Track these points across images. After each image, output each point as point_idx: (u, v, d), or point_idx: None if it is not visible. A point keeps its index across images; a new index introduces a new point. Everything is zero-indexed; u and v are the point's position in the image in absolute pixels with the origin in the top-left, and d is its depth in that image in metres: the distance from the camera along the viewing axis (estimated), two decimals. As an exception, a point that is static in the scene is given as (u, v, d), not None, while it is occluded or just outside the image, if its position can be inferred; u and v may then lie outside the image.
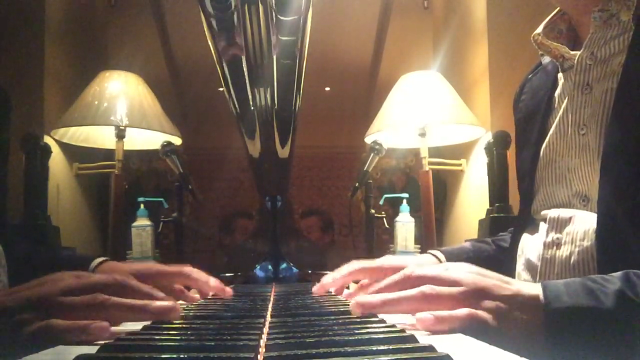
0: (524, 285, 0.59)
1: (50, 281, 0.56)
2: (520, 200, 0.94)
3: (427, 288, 0.57)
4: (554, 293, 0.57)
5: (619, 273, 0.59)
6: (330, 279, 0.87)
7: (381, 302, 0.57)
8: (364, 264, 0.87)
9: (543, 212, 0.86)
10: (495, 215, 1.75)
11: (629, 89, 0.70)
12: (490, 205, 1.84)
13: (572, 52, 0.82)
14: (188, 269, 0.86)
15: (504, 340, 0.52)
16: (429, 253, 1.04)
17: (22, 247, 0.94)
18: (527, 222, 0.91)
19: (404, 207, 1.86)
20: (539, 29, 0.87)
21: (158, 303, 0.56)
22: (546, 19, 0.88)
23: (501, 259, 1.01)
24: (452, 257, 1.01)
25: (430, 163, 2.00)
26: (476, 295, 0.56)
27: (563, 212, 0.81)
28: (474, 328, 0.53)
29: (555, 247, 0.81)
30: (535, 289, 0.57)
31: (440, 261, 0.99)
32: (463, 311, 0.54)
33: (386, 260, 0.88)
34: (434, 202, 1.98)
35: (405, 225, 1.83)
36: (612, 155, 0.70)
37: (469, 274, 0.59)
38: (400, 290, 0.59)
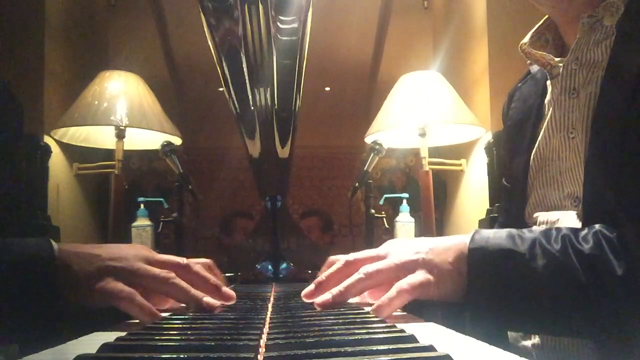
0: (451, 237, 0.69)
1: (128, 248, 0.68)
2: (511, 205, 0.95)
3: (364, 268, 0.66)
4: (481, 235, 0.67)
5: (541, 227, 0.69)
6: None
7: (333, 296, 0.66)
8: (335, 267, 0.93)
9: (535, 215, 0.87)
10: (495, 215, 1.75)
11: (610, 92, 0.72)
12: (490, 205, 1.84)
13: (557, 59, 0.84)
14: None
15: (441, 290, 0.65)
16: None
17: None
18: (519, 227, 0.92)
19: (404, 207, 1.86)
20: (526, 39, 0.89)
21: (208, 299, 0.65)
22: (532, 29, 0.90)
23: None
24: None
25: (430, 163, 2.00)
26: (406, 255, 0.66)
27: (551, 215, 0.83)
28: (411, 295, 0.63)
29: None
30: (464, 237, 0.68)
31: None
32: (392, 291, 0.63)
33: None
34: (434, 202, 1.98)
35: (405, 225, 1.83)
36: (596, 157, 0.72)
37: (398, 242, 0.70)
38: (345, 276, 0.67)
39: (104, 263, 0.63)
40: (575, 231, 0.66)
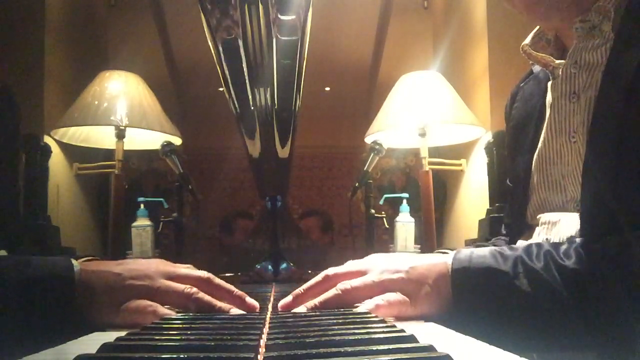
0: (434, 255, 0.69)
1: (165, 263, 0.69)
2: (514, 206, 0.95)
3: (342, 284, 0.66)
4: (463, 255, 0.66)
5: (523, 243, 0.69)
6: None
7: (307, 310, 0.65)
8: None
9: (538, 217, 0.87)
10: (495, 215, 1.75)
11: (607, 97, 0.72)
12: (490, 205, 1.84)
13: (557, 62, 0.84)
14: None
15: (417, 310, 0.64)
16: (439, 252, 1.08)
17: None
18: (522, 228, 0.93)
19: (404, 207, 1.86)
20: (527, 40, 0.89)
21: (235, 311, 0.65)
22: (534, 30, 0.90)
23: None
24: None
25: (430, 163, 2.00)
26: (383, 274, 0.66)
27: (553, 216, 0.84)
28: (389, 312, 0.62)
29: None
30: (445, 256, 0.67)
31: None
32: (369, 304, 0.63)
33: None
34: (434, 202, 1.98)
35: (405, 225, 1.83)
36: (594, 161, 0.72)
37: (380, 259, 0.69)
38: (323, 290, 0.67)
39: (126, 282, 0.63)
40: (555, 247, 0.66)
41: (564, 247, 0.66)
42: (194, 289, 0.64)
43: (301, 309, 0.66)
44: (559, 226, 0.81)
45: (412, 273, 0.65)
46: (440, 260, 0.67)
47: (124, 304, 0.61)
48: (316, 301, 0.66)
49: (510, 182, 1.00)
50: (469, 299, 0.64)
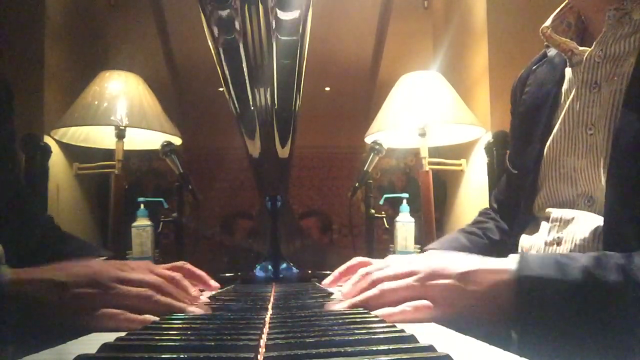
0: (484, 259, 0.62)
1: (115, 265, 0.64)
2: (521, 197, 0.92)
3: (384, 285, 0.62)
4: (527, 262, 0.60)
5: (591, 253, 0.62)
6: (330, 279, 0.92)
7: (351, 306, 0.63)
8: (363, 260, 0.92)
9: (547, 210, 0.84)
10: (482, 211, 1.75)
11: (638, 92, 0.69)
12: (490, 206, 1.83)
13: (581, 48, 0.81)
14: (181, 263, 0.92)
15: (471, 315, 0.58)
16: (428, 249, 1.06)
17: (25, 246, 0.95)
18: (527, 220, 0.90)
19: (404, 207, 1.85)
20: (548, 22, 0.86)
21: (192, 309, 0.63)
22: (555, 12, 0.87)
23: (492, 251, 1.02)
24: (449, 249, 1.03)
25: (430, 163, 2.00)
26: (430, 277, 0.61)
27: (566, 213, 0.80)
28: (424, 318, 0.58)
29: (555, 245, 0.81)
30: (505, 261, 0.61)
31: None
32: (406, 306, 0.59)
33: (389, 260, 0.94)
34: (434, 202, 1.98)
35: (405, 225, 1.83)
36: (620, 158, 0.69)
37: (420, 261, 0.64)
38: (362, 290, 0.64)
39: (72, 291, 0.57)
40: (628, 257, 0.60)
41: (638, 258, 0.59)
42: (150, 292, 0.62)
43: (343, 304, 0.64)
44: (574, 225, 0.78)
45: (462, 279, 0.59)
46: (500, 267, 0.60)
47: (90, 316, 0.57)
48: (357, 299, 0.64)
49: (513, 169, 0.96)
50: (535, 309, 0.57)
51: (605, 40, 0.76)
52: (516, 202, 0.94)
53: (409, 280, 0.61)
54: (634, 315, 0.56)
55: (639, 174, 0.66)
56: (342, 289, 0.70)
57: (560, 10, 0.87)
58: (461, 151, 2.20)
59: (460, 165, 2.18)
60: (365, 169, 1.89)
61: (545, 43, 0.88)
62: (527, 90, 0.94)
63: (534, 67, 0.94)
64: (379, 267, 0.67)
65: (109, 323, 0.56)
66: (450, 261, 0.62)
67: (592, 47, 0.78)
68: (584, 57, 0.79)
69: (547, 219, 0.84)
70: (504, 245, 1.01)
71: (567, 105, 0.82)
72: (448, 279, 0.60)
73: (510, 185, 1.01)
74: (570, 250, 0.77)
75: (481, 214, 1.13)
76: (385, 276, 0.64)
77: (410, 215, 1.85)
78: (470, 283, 0.59)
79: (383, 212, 1.97)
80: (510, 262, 0.61)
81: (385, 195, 2.03)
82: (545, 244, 0.82)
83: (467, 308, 0.59)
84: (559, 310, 0.57)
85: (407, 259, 0.68)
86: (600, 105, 0.76)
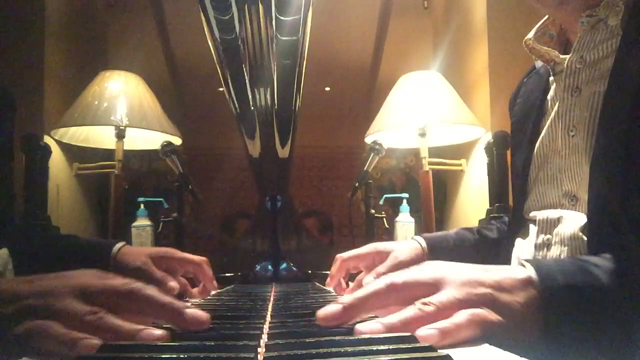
0: (506, 268, 0.57)
1: (62, 278, 0.53)
2: (514, 201, 0.95)
3: (425, 306, 0.51)
4: (546, 271, 0.55)
5: (604, 255, 0.60)
6: (328, 280, 0.93)
7: (385, 328, 0.49)
8: (349, 254, 0.98)
9: (532, 214, 0.87)
10: (495, 215, 1.75)
11: (617, 93, 0.71)
12: (490, 205, 1.84)
13: (562, 57, 0.84)
14: (201, 259, 0.95)
15: (505, 330, 0.51)
16: (413, 239, 1.09)
17: (30, 242, 0.94)
18: (520, 223, 0.92)
19: (404, 207, 1.86)
20: (531, 34, 0.89)
21: (148, 332, 0.48)
22: (537, 24, 0.90)
23: (482, 249, 1.06)
24: (435, 244, 1.06)
25: (430, 163, 2.00)
26: (467, 287, 0.53)
27: (551, 213, 0.82)
28: (481, 330, 0.50)
29: (545, 249, 0.82)
30: (523, 270, 0.56)
31: (422, 249, 1.05)
32: (462, 316, 0.49)
33: (373, 246, 1.00)
34: (434, 202, 1.98)
35: (405, 225, 1.84)
36: (602, 157, 0.70)
37: (450, 268, 0.56)
38: (386, 302, 0.54)
39: (22, 302, 0.50)
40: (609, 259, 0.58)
41: None
42: (99, 314, 0.49)
43: (376, 325, 0.49)
44: (561, 225, 0.79)
45: (499, 288, 0.53)
46: (522, 275, 0.55)
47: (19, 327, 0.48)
48: (395, 320, 0.50)
49: (511, 178, 1.00)
50: (567, 319, 0.53)
51: (583, 46, 0.79)
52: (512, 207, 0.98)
53: (449, 295, 0.53)
54: None
55: (620, 173, 0.66)
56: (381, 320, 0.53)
57: (543, 22, 0.90)
58: (461, 151, 2.20)
59: (460, 165, 2.18)
60: (365, 169, 1.90)
61: (534, 57, 0.91)
62: (518, 102, 0.98)
63: (524, 80, 0.98)
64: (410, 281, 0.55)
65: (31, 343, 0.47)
66: (470, 270, 0.56)
67: (571, 54, 0.81)
68: (565, 64, 0.82)
69: (534, 222, 0.86)
70: (497, 244, 1.05)
71: (552, 112, 0.85)
72: (483, 288, 0.54)
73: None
74: (561, 252, 0.79)
75: (492, 217, 1.15)
76: (411, 283, 0.55)
77: (410, 215, 1.85)
78: (506, 294, 0.54)
79: (383, 212, 1.97)
80: (528, 270, 0.56)
81: (385, 195, 2.03)
82: (535, 247, 0.84)
83: (514, 325, 0.52)
84: (592, 317, 0.54)
85: (423, 268, 0.58)
86: (580, 108, 0.78)
